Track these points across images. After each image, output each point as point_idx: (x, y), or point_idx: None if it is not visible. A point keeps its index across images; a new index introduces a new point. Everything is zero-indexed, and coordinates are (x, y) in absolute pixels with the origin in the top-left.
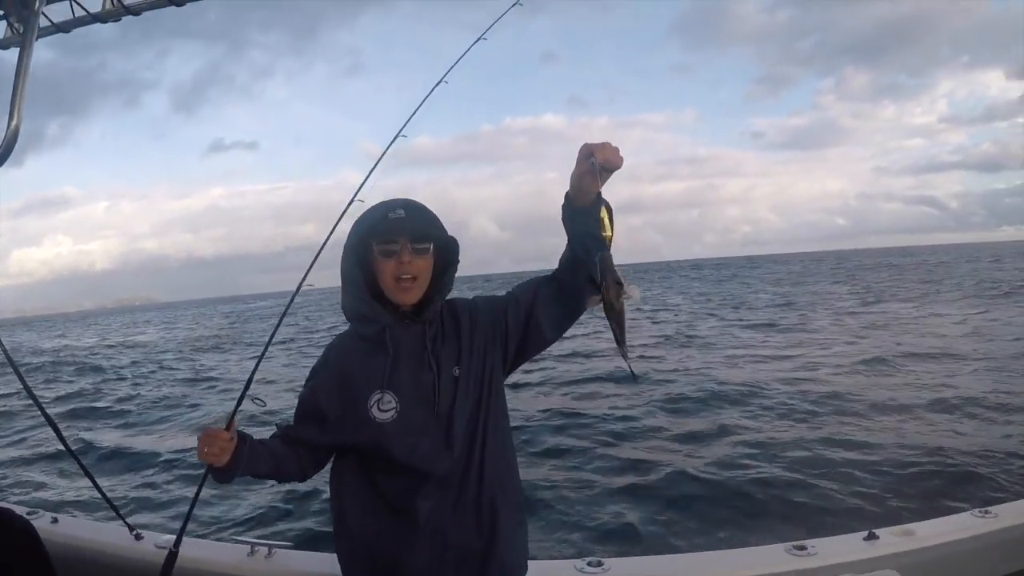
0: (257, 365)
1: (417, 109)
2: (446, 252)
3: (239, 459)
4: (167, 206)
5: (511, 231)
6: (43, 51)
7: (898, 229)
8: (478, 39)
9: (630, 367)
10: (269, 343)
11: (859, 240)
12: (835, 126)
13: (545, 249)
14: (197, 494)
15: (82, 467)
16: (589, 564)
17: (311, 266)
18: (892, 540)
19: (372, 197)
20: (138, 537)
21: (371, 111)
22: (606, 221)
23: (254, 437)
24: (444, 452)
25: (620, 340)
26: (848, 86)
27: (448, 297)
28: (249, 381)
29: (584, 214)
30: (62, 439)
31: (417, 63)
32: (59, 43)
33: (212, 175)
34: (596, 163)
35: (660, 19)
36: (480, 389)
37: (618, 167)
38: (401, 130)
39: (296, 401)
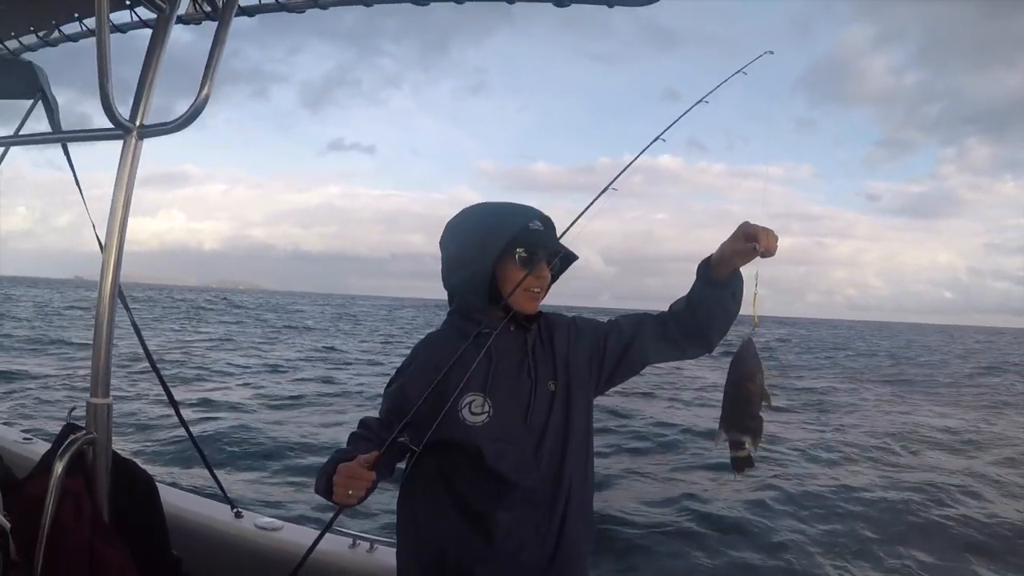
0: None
1: (626, 167)
2: (558, 265)
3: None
4: (281, 197)
5: (616, 267)
6: (182, 32)
7: (1006, 309)
8: (699, 101)
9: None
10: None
11: (966, 316)
12: (952, 197)
13: (647, 290)
14: (330, 524)
15: (192, 439)
16: None
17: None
18: None
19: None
20: (238, 515)
21: (490, 131)
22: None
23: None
24: (532, 464)
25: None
26: (969, 157)
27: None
28: (405, 423)
29: (722, 287)
30: (177, 413)
31: (539, 88)
32: (198, 26)
33: (328, 173)
34: (759, 250)
35: (790, 70)
36: (572, 409)
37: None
38: (611, 183)
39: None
